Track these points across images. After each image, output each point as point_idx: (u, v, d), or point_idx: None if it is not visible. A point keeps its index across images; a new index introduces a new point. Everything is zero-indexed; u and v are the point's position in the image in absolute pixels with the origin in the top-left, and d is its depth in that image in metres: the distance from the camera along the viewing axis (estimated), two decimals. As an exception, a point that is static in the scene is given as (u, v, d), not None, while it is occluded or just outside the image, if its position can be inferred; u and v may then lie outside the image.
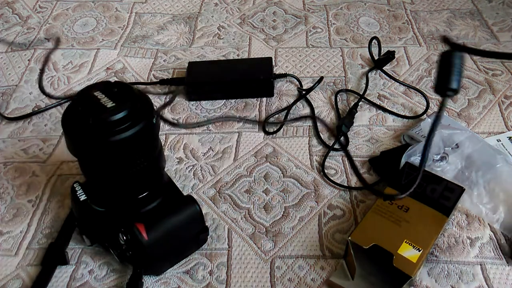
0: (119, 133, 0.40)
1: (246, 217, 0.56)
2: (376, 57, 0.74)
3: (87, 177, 0.48)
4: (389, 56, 0.75)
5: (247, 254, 0.52)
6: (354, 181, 0.60)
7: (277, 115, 0.68)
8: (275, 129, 0.66)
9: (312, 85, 0.72)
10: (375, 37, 0.74)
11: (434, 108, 0.69)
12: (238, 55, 0.80)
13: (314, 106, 0.69)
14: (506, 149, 0.62)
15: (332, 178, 0.59)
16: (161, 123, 0.67)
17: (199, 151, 0.64)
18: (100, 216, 0.48)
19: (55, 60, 0.80)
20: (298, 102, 0.70)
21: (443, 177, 0.53)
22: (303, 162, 0.62)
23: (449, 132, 0.57)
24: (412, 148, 0.57)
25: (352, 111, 0.67)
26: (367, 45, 0.74)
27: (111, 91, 0.42)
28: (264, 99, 0.71)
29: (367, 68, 0.76)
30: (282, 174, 0.60)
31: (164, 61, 0.79)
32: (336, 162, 0.62)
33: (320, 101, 0.70)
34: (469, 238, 0.53)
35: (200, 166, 0.62)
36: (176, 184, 0.52)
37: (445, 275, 0.50)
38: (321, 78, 0.73)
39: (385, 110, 0.69)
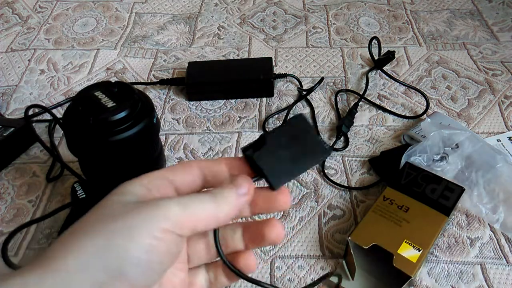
0: (119, 133, 0.41)
1: (246, 217, 0.56)
2: (376, 57, 0.74)
3: (88, 176, 0.48)
4: (389, 56, 0.75)
5: (247, 254, 0.52)
6: (354, 181, 0.60)
7: (277, 115, 0.68)
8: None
9: (312, 85, 0.72)
10: (375, 37, 0.74)
11: (434, 108, 0.69)
12: (238, 55, 0.80)
13: (314, 106, 0.69)
14: (506, 149, 0.62)
15: (332, 178, 0.59)
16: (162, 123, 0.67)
17: (199, 151, 0.64)
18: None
19: (55, 60, 0.80)
20: (298, 102, 0.70)
21: (443, 177, 0.53)
22: (303, 162, 0.62)
23: (449, 132, 0.57)
24: (412, 148, 0.57)
25: (352, 111, 0.67)
26: (367, 45, 0.74)
27: (112, 91, 0.43)
28: (264, 99, 0.71)
29: (367, 68, 0.76)
30: (282, 174, 0.60)
31: (164, 61, 0.79)
32: (336, 162, 0.62)
33: (320, 101, 0.70)
34: (469, 238, 0.53)
35: (200, 166, 0.62)
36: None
37: (445, 275, 0.50)
38: (322, 79, 0.73)
39: (385, 110, 0.69)
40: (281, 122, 0.67)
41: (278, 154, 0.29)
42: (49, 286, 0.22)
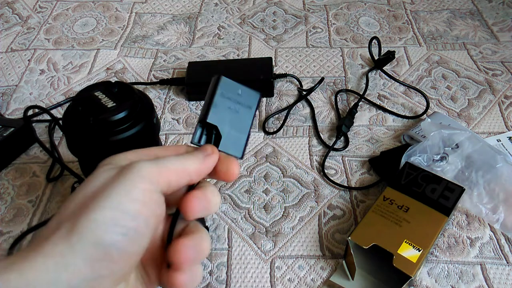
0: (119, 133, 0.41)
1: (246, 217, 0.56)
2: (376, 57, 0.74)
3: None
4: (389, 56, 0.75)
5: (247, 254, 0.52)
6: (354, 181, 0.60)
7: (277, 115, 0.68)
8: (275, 129, 0.66)
9: (312, 85, 0.72)
10: (375, 37, 0.74)
11: (434, 108, 0.69)
12: (238, 55, 0.80)
13: (314, 106, 0.69)
14: (506, 149, 0.62)
15: (332, 178, 0.59)
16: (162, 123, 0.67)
17: (199, 151, 0.64)
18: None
19: (55, 60, 0.80)
20: (298, 102, 0.70)
21: (443, 177, 0.53)
22: (303, 162, 0.62)
23: (449, 132, 0.57)
24: (412, 148, 0.57)
25: (352, 111, 0.67)
26: (367, 45, 0.74)
27: (112, 91, 0.43)
28: (264, 99, 0.71)
29: (367, 68, 0.76)
30: (282, 174, 0.60)
31: (164, 61, 0.79)
32: (336, 162, 0.62)
33: (320, 101, 0.71)
34: (469, 238, 0.53)
35: (200, 166, 0.62)
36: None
37: (445, 275, 0.50)
38: (322, 79, 0.73)
39: (385, 110, 0.69)
40: (281, 122, 0.67)
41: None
42: (43, 271, 0.23)
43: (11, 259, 0.23)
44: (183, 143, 0.65)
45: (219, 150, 0.30)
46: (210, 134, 0.31)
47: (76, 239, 0.23)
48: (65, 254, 0.23)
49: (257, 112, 0.30)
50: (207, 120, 0.30)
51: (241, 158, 0.31)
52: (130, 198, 0.25)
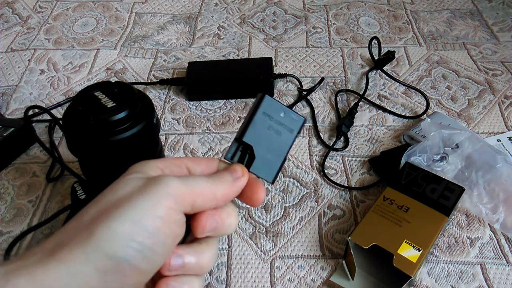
0: (119, 133, 0.41)
1: (246, 217, 0.56)
2: (376, 57, 0.74)
3: (88, 177, 0.48)
4: (389, 56, 0.75)
5: (247, 254, 0.52)
6: (354, 181, 0.60)
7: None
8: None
9: (312, 85, 0.72)
10: (375, 37, 0.74)
11: (434, 108, 0.69)
12: (238, 55, 0.80)
13: (314, 106, 0.69)
14: (506, 149, 0.62)
15: (332, 178, 0.59)
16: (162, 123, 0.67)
17: (199, 151, 0.64)
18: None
19: (55, 60, 0.80)
20: (299, 103, 0.70)
21: (443, 177, 0.53)
22: (303, 162, 0.62)
23: (449, 132, 0.57)
24: (412, 148, 0.57)
25: (352, 111, 0.67)
26: (367, 45, 0.74)
27: (112, 91, 0.43)
28: (264, 99, 0.71)
29: (367, 68, 0.76)
30: (282, 174, 0.60)
31: (164, 61, 0.79)
32: (336, 162, 0.62)
33: (320, 101, 0.70)
34: (469, 238, 0.53)
35: (200, 166, 0.62)
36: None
37: (445, 275, 0.50)
38: (322, 79, 0.73)
39: (385, 110, 0.69)
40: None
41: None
42: (54, 277, 0.22)
43: (22, 262, 0.23)
44: (182, 143, 0.65)
45: (250, 171, 0.29)
46: (244, 153, 0.30)
47: (91, 248, 0.23)
48: (78, 261, 0.23)
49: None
50: (243, 139, 0.29)
51: (272, 183, 0.30)
52: (152, 214, 0.24)
